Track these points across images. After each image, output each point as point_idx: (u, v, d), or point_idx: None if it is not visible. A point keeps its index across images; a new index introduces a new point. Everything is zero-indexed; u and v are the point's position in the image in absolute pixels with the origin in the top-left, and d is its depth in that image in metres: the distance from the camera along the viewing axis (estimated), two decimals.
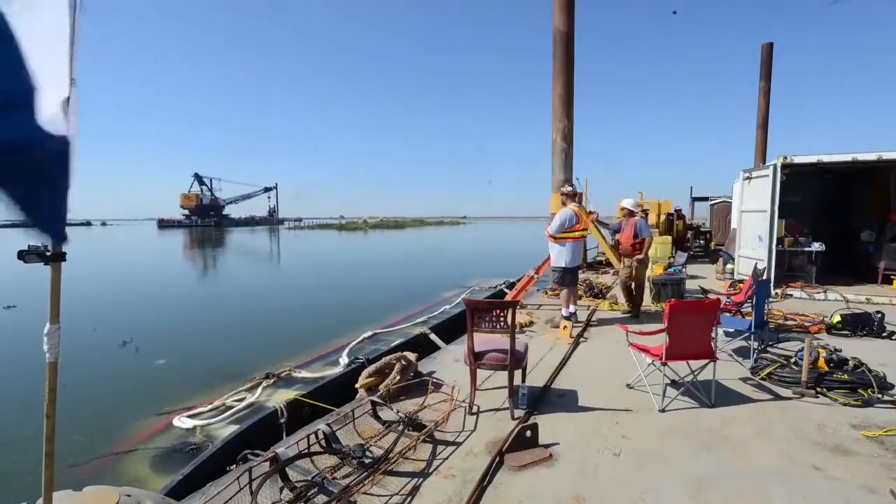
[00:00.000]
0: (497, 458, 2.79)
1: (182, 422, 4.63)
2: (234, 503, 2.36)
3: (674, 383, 3.89)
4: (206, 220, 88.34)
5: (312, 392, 4.87)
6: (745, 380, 4.11)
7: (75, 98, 1.56)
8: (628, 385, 3.97)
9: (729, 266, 10.03)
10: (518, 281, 8.51)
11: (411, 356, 4.37)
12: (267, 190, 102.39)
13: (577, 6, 11.70)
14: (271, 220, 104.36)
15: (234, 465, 3.07)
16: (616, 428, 3.23)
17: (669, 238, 11.79)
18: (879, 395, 3.58)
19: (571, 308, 6.20)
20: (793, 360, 4.12)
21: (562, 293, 6.25)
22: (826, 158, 7.54)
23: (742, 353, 4.81)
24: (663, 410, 3.49)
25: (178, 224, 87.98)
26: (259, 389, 5.18)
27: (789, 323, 6.03)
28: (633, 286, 6.61)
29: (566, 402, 3.73)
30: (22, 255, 1.54)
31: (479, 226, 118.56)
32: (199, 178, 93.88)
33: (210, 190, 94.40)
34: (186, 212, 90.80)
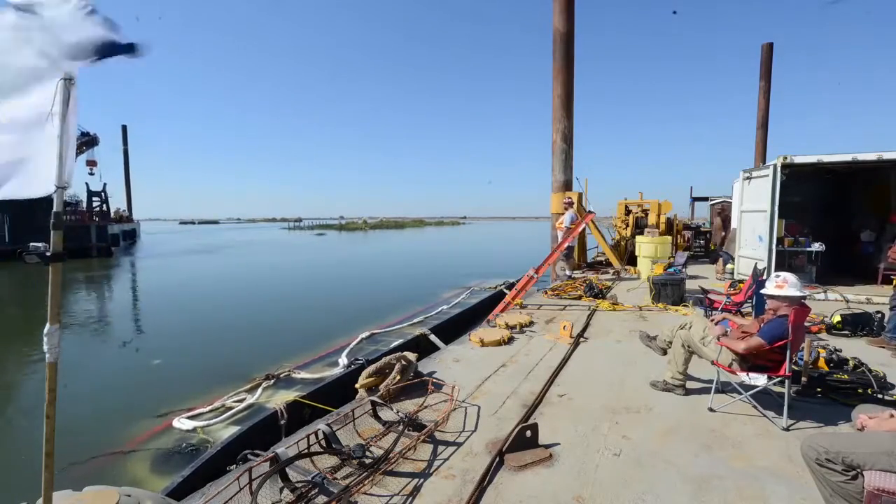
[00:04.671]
0: (497, 458, 2.79)
1: (182, 423, 4.63)
2: (234, 503, 2.36)
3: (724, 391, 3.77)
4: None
5: (312, 393, 4.88)
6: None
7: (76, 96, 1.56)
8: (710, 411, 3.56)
9: (729, 266, 10.03)
10: (518, 281, 8.51)
11: (411, 356, 4.37)
12: (87, 140, 38.12)
13: (577, 6, 11.72)
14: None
15: (234, 466, 3.07)
16: (616, 428, 3.23)
17: (669, 238, 11.79)
18: (880, 395, 3.57)
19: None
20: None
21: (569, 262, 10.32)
22: (826, 158, 7.53)
23: None
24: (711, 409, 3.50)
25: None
26: (259, 390, 5.19)
27: None
28: None
29: (566, 402, 3.73)
30: (22, 255, 1.54)
31: (479, 226, 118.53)
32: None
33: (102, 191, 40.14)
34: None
